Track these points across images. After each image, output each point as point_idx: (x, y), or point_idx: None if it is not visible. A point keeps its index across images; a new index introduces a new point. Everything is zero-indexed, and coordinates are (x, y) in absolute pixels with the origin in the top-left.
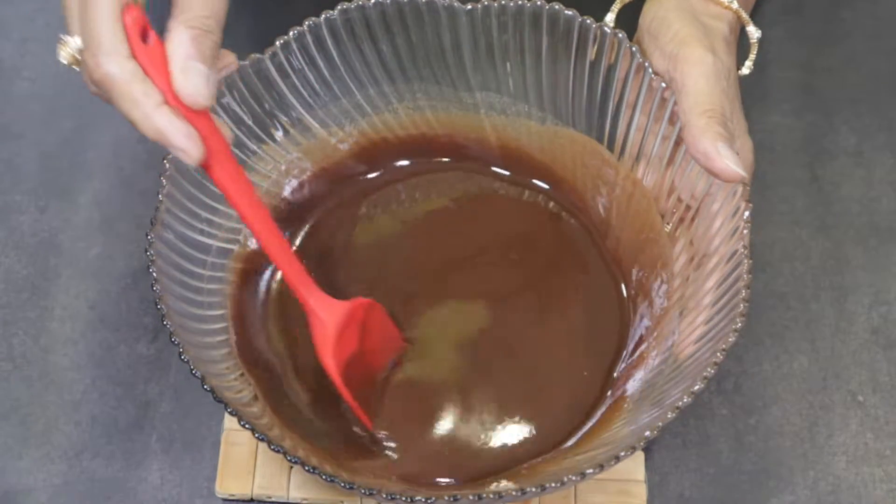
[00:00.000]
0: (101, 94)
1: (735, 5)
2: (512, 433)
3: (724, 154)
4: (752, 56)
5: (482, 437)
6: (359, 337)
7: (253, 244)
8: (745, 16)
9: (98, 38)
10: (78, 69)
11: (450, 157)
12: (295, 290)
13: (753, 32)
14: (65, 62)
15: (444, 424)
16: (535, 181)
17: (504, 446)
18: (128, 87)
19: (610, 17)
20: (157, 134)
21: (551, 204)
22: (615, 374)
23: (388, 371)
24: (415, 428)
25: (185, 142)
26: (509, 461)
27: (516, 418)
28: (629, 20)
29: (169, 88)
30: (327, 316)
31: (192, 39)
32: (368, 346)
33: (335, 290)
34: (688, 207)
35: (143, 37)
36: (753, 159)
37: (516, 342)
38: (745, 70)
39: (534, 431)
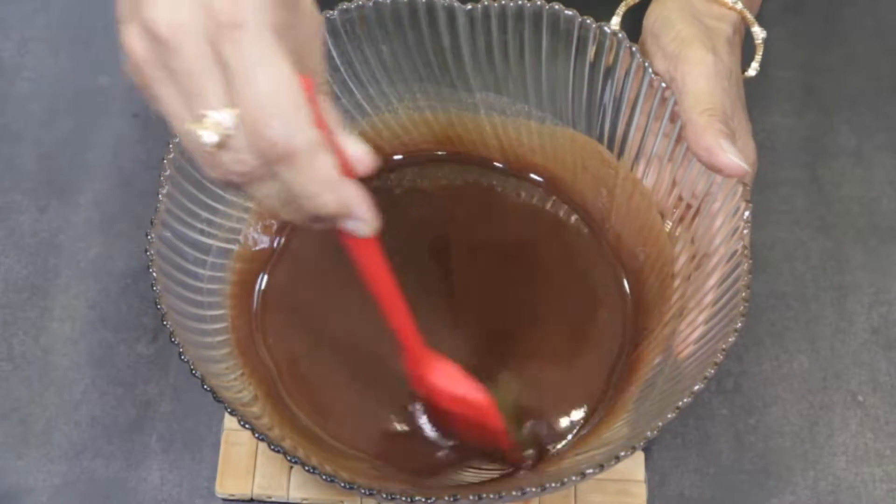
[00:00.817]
0: (245, 177)
1: (739, 6)
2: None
3: (727, 149)
4: (758, 57)
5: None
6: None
7: (253, 244)
8: (749, 16)
9: (275, 101)
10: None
11: (450, 156)
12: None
13: (759, 33)
14: (211, 141)
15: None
16: (534, 176)
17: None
18: (313, 160)
19: (615, 21)
20: (341, 207)
21: (551, 202)
22: (615, 374)
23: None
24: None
25: (368, 213)
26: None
27: (516, 415)
28: (635, 24)
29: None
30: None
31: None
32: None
33: (332, 287)
34: (688, 207)
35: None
36: (756, 160)
37: (513, 340)
38: (752, 72)
39: (532, 429)
